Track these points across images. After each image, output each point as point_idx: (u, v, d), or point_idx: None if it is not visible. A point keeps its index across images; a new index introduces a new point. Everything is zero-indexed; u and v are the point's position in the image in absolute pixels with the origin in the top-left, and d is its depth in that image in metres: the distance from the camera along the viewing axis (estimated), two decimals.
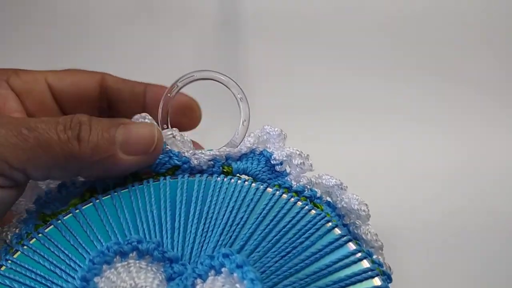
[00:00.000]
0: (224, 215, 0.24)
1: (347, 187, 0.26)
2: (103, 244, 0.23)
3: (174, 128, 0.28)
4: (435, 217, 0.46)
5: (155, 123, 0.26)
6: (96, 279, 0.19)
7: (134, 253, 0.20)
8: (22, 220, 0.25)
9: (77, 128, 0.23)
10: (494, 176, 0.48)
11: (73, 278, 0.22)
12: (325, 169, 0.27)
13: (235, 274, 0.19)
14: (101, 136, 0.24)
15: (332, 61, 0.54)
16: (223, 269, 0.20)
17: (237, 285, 0.19)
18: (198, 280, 0.20)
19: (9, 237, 0.25)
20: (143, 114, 0.27)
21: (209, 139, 0.29)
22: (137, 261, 0.20)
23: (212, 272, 0.20)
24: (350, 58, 0.54)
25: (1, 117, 0.24)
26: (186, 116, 0.31)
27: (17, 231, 0.25)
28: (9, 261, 0.23)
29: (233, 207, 0.24)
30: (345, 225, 0.26)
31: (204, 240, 0.23)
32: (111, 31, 0.57)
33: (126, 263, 0.20)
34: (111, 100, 0.32)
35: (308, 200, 0.25)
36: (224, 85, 0.28)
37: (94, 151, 0.23)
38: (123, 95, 0.32)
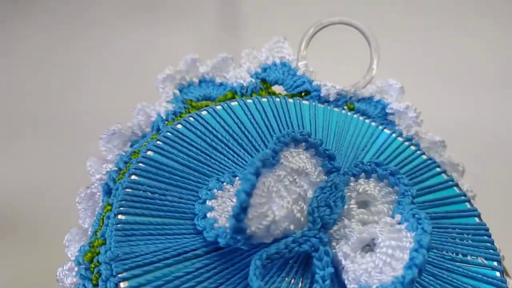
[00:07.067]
0: (348, 147, 0.27)
1: (447, 145, 0.30)
2: (252, 139, 0.26)
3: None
4: None
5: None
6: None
7: (304, 144, 0.23)
8: (171, 100, 0.28)
9: None
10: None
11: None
12: None
13: (385, 180, 0.23)
14: None
15: (333, 61, 0.54)
16: (373, 175, 0.24)
17: (390, 188, 0.23)
18: (352, 178, 0.23)
19: (163, 111, 0.27)
20: None
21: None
22: (305, 151, 0.23)
23: (363, 175, 0.24)
24: (352, 58, 0.56)
25: None
26: None
27: (170, 108, 0.27)
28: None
29: (355, 141, 0.28)
30: None
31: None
32: (109, 28, 0.58)
33: (299, 150, 0.23)
34: None
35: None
36: (362, 32, 0.31)
37: None
38: None
